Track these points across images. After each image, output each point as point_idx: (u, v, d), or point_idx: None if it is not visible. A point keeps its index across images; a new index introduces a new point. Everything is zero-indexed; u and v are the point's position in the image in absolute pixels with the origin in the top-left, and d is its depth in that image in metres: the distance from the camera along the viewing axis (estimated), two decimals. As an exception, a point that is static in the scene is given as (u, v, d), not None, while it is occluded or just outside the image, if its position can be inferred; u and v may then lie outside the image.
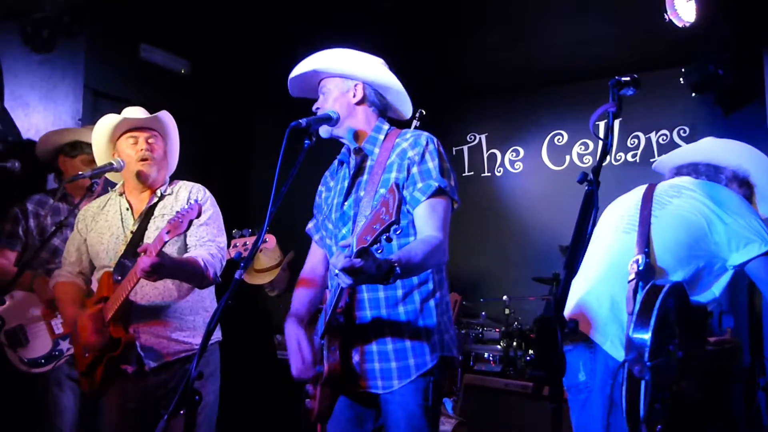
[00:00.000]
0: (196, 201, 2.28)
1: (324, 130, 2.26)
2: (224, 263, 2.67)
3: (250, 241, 3.10)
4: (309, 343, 2.18)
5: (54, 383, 3.13)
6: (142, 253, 2.30)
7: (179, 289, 2.66)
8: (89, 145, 3.30)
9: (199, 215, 2.25)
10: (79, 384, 2.91)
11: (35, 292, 3.17)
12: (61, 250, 3.21)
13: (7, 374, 3.11)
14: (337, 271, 1.74)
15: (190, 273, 2.52)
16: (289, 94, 2.43)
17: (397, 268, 1.81)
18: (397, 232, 1.66)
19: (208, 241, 2.63)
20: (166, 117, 2.83)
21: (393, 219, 1.62)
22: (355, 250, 1.71)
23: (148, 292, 2.59)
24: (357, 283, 1.82)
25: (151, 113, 2.80)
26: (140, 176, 2.72)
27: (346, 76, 2.28)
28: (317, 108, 2.28)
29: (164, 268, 2.31)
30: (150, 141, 2.75)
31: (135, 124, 2.77)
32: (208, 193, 2.81)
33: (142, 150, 2.72)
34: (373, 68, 2.29)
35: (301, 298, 2.37)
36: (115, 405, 2.62)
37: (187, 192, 2.76)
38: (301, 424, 2.33)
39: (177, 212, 2.28)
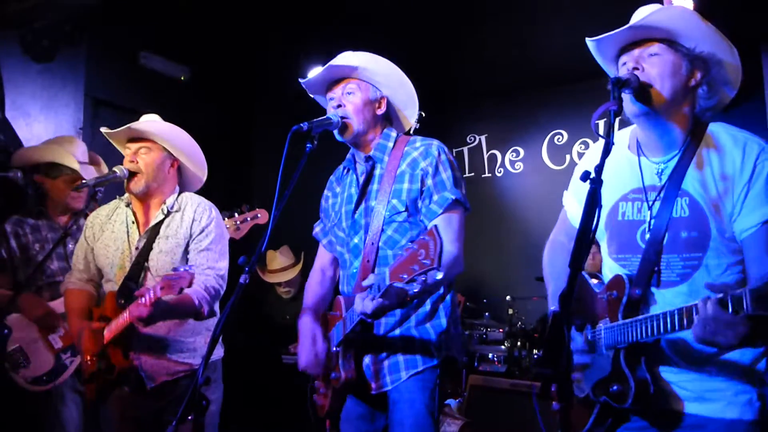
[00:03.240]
0: (189, 268, 2.32)
1: (339, 136, 2.26)
2: (222, 292, 2.66)
3: (239, 219, 3.12)
4: (324, 342, 2.23)
5: (56, 396, 3.10)
6: (139, 297, 2.33)
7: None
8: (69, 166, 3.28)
9: (190, 285, 2.31)
10: (83, 394, 2.91)
11: (22, 310, 3.11)
12: (47, 267, 3.18)
13: (8, 389, 3.09)
14: (362, 315, 1.89)
15: (184, 312, 2.54)
16: (305, 84, 2.36)
17: (410, 292, 1.84)
18: (437, 277, 1.67)
19: (207, 269, 2.60)
20: (148, 126, 2.69)
21: (435, 266, 1.64)
22: (387, 282, 1.76)
23: None
24: (383, 316, 1.98)
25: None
26: (127, 189, 2.70)
27: (379, 86, 2.28)
28: (339, 105, 2.23)
29: (157, 316, 2.37)
30: (140, 151, 2.67)
31: (115, 135, 2.72)
32: (214, 212, 2.74)
33: (128, 162, 2.67)
34: (408, 90, 2.31)
35: (313, 294, 2.43)
36: (115, 414, 2.63)
37: (193, 211, 2.69)
38: (308, 418, 2.37)
39: (174, 270, 2.32)
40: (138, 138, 2.70)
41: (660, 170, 1.79)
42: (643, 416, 1.74)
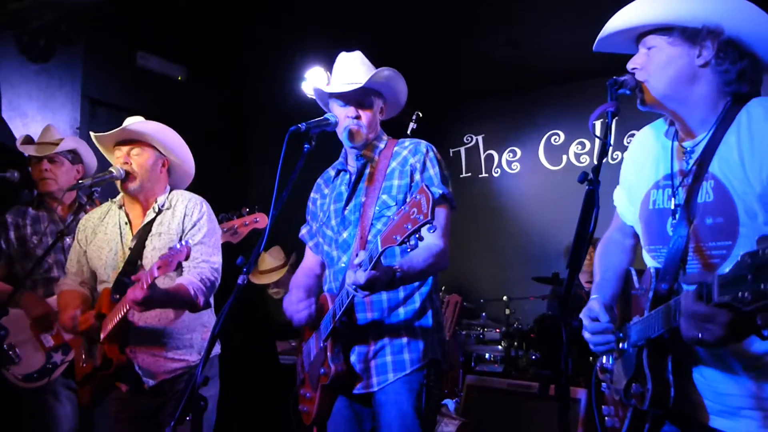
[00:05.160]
0: (186, 243, 2.31)
1: (349, 142, 2.31)
2: (218, 284, 2.66)
3: (238, 223, 3.10)
4: (314, 298, 2.30)
5: (50, 394, 3.11)
6: (135, 282, 2.33)
7: (176, 311, 2.66)
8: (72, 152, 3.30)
9: (187, 258, 2.30)
10: (77, 393, 2.90)
11: (23, 308, 3.11)
12: (44, 260, 3.18)
13: (3, 387, 3.09)
14: (353, 287, 1.87)
15: (180, 302, 2.54)
16: (327, 93, 2.38)
17: (398, 273, 1.94)
18: (432, 232, 1.66)
19: (201, 263, 2.61)
20: (142, 127, 2.70)
21: (429, 218, 1.63)
22: (380, 249, 1.78)
23: (146, 314, 2.59)
24: (373, 293, 1.96)
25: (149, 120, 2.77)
26: (122, 189, 2.71)
27: (385, 96, 2.35)
28: (357, 117, 2.27)
29: (154, 300, 2.36)
30: (132, 153, 2.68)
31: (105, 139, 2.73)
32: (205, 206, 2.75)
33: (121, 164, 2.67)
34: (403, 98, 2.39)
35: (298, 284, 2.45)
36: (110, 414, 2.63)
37: (184, 206, 2.70)
38: (294, 428, 2.36)
39: (169, 249, 2.31)
40: (128, 140, 2.71)
41: (689, 153, 1.64)
42: (672, 422, 1.63)
